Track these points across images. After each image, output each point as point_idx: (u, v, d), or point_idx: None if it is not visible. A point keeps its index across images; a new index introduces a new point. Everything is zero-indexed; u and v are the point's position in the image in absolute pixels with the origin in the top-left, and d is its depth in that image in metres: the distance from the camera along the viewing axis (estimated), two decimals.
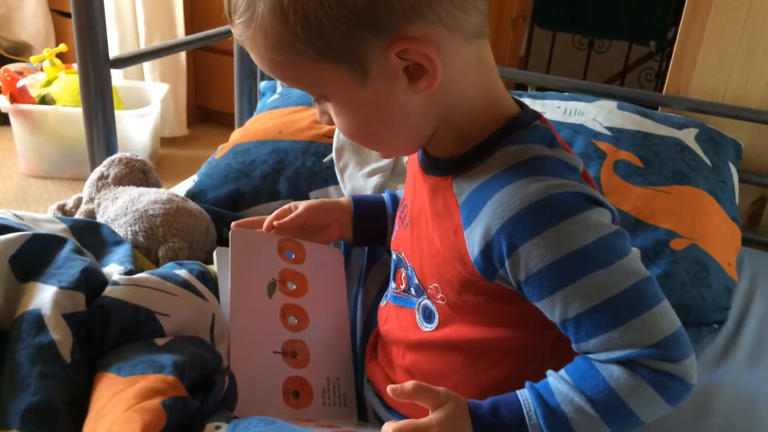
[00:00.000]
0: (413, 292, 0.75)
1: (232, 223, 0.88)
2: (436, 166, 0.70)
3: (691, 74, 1.42)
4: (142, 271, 0.78)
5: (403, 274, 0.77)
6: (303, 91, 0.68)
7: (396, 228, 0.81)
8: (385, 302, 0.83)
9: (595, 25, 2.80)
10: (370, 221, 0.91)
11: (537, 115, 0.69)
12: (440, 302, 0.71)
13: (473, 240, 0.64)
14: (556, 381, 0.61)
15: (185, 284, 0.75)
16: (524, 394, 0.62)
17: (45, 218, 0.84)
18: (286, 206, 0.91)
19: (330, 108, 0.65)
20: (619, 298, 0.59)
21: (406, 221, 0.76)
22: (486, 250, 0.63)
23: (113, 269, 0.77)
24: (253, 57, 0.63)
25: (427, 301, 0.73)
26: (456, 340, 0.70)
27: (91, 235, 0.86)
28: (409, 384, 0.62)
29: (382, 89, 0.61)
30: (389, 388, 0.62)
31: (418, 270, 0.73)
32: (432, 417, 0.61)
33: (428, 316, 0.73)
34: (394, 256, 0.80)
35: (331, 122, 0.67)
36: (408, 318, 0.76)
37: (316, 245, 0.90)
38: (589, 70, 2.97)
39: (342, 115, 0.64)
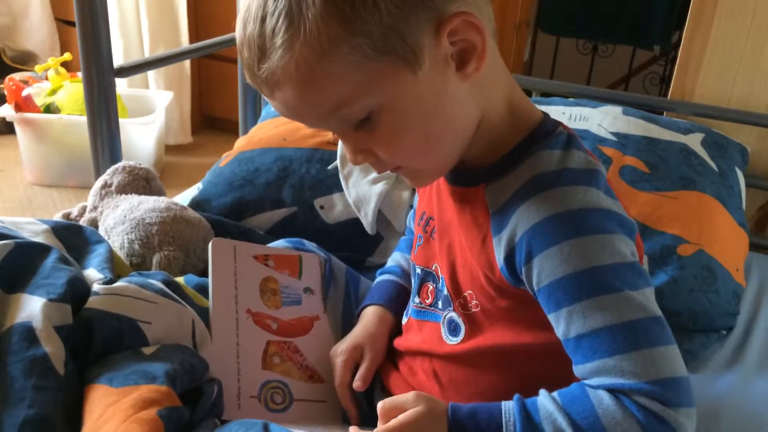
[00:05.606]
0: (440, 305, 0.75)
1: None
2: (465, 176, 0.70)
3: (696, 79, 1.41)
4: (119, 277, 0.77)
5: (431, 288, 0.77)
6: (343, 128, 0.64)
7: (419, 243, 0.80)
8: (406, 319, 0.83)
9: (599, 30, 2.79)
10: (402, 304, 0.88)
11: (558, 122, 0.70)
12: (474, 310, 0.71)
13: (500, 247, 0.65)
14: (545, 399, 0.61)
15: (162, 292, 0.75)
16: (508, 405, 0.61)
17: (26, 221, 0.82)
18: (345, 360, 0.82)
19: (379, 127, 0.62)
20: (621, 328, 0.58)
21: (434, 235, 0.76)
22: (509, 256, 0.64)
23: (93, 275, 0.75)
24: (289, 97, 0.60)
25: (452, 314, 0.73)
26: (484, 349, 0.71)
27: (74, 236, 0.84)
28: (378, 405, 0.63)
29: (436, 80, 0.61)
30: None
31: (450, 280, 0.73)
32: (401, 417, 0.61)
33: (454, 330, 0.74)
34: (419, 271, 0.80)
35: (368, 157, 0.65)
36: (432, 332, 0.76)
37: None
38: (593, 75, 2.96)
39: (398, 122, 0.62)
